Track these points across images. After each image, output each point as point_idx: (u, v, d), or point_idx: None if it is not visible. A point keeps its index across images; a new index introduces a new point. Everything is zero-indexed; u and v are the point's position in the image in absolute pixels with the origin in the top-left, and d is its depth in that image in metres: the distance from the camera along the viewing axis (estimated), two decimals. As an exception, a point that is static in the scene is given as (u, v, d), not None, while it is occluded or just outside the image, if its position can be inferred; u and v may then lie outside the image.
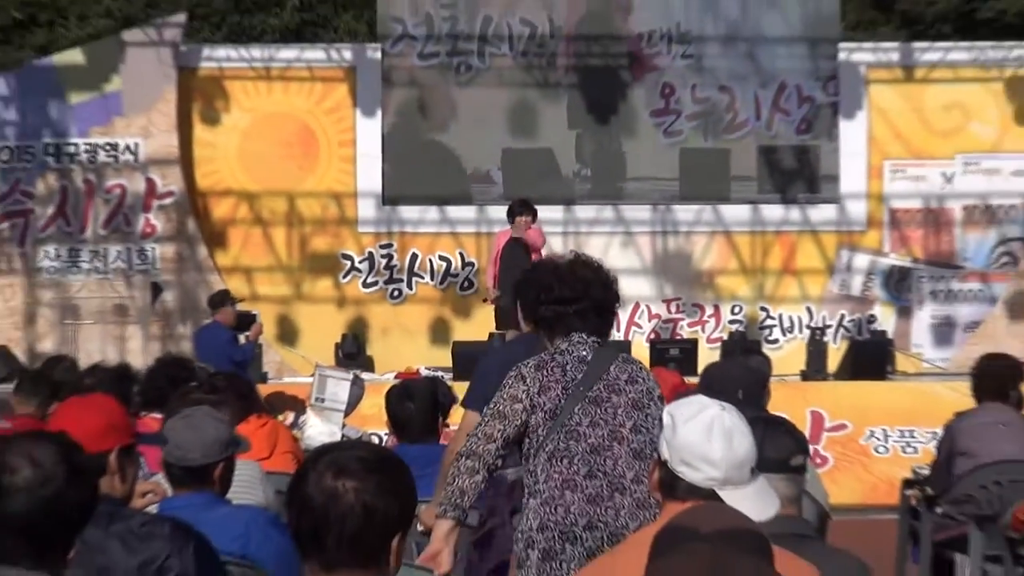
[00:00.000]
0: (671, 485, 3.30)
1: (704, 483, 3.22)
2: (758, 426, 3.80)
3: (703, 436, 3.24)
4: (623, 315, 15.20)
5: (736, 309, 15.34)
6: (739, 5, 15.42)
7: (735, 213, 15.41)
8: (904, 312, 15.21)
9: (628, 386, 4.59)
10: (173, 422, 4.50)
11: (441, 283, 15.43)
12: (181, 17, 16.10)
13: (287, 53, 16.27)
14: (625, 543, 3.61)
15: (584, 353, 4.61)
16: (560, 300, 4.71)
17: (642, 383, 4.64)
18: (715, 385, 6.45)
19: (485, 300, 13.84)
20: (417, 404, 5.74)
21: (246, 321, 12.90)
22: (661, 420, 4.35)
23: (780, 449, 3.60)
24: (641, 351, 11.71)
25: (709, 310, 15.37)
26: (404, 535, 2.85)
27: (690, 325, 15.00)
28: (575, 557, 4.32)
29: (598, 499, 4.42)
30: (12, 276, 14.99)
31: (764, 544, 2.59)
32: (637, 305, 15.25)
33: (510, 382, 4.58)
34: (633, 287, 15.23)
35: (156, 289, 14.97)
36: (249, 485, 4.83)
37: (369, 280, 15.45)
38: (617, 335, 14.54)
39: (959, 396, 8.01)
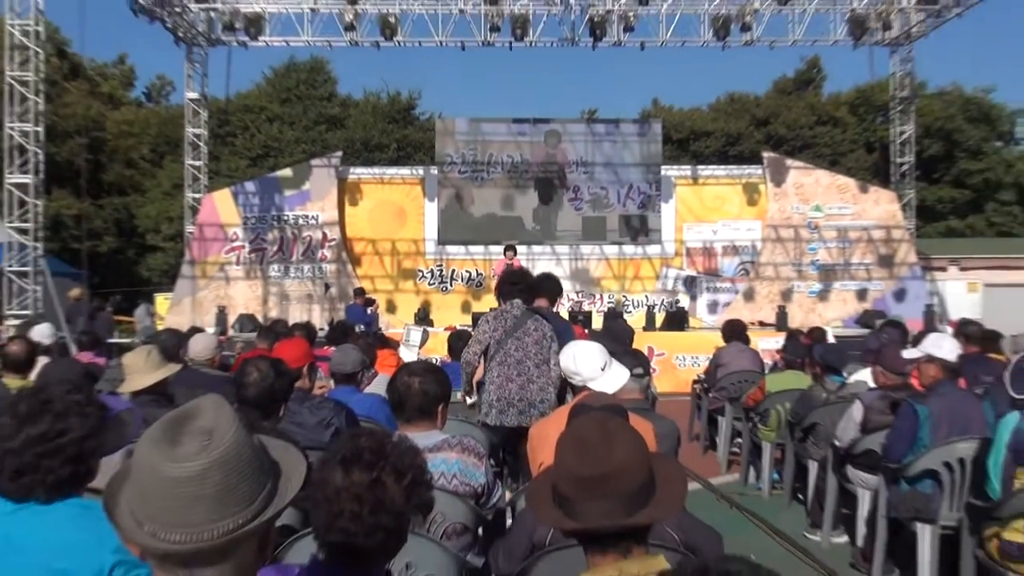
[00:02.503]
0: (571, 385, 3.35)
1: (580, 384, 3.25)
2: (627, 356, 3.80)
3: (572, 362, 3.28)
4: (556, 299, 15.22)
5: (610, 296, 15.28)
6: (611, 147, 15.33)
7: (610, 249, 15.35)
8: (693, 298, 15.17)
9: (534, 332, 4.58)
10: (335, 352, 4.49)
11: (466, 284, 15.33)
12: (339, 153, 16.17)
13: (391, 171, 16.27)
14: (553, 414, 3.59)
15: (518, 312, 4.65)
16: (512, 284, 4.79)
17: (541, 331, 4.60)
18: (608, 333, 6.49)
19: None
20: (464, 342, 5.70)
21: (371, 302, 12.91)
22: (552, 347, 4.54)
23: (631, 365, 3.59)
24: (563, 316, 11.64)
25: (598, 297, 15.30)
26: (447, 405, 2.84)
27: (588, 304, 14.91)
28: (514, 413, 4.40)
29: (523, 387, 4.47)
30: (256, 280, 14.91)
31: (623, 411, 2.59)
32: (562, 294, 15.21)
33: (482, 322, 4.66)
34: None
35: (326, 287, 14.90)
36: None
37: (431, 282, 15.34)
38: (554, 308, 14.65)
39: (719, 339, 7.99)
